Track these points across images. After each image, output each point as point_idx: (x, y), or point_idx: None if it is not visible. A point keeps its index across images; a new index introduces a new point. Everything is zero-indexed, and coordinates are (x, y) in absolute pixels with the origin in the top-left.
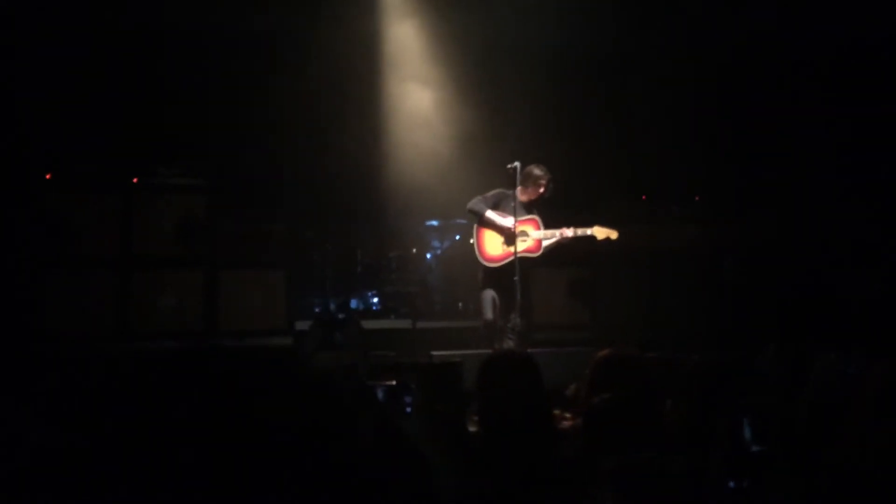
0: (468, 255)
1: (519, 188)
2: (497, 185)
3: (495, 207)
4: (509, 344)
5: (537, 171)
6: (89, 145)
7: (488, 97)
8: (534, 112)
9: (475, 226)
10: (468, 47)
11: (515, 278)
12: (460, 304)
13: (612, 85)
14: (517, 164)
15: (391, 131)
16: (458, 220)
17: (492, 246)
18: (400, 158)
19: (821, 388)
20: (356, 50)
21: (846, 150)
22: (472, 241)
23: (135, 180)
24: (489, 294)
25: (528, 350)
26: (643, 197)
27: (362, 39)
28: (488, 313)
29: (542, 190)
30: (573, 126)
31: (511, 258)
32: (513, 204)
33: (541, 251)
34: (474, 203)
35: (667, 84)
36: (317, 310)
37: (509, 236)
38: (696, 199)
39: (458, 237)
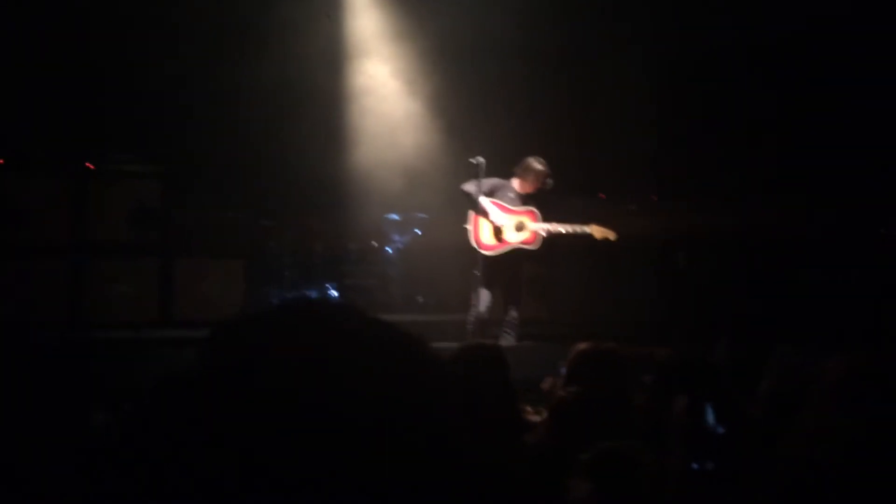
0: (428, 248)
1: (517, 179)
2: (459, 179)
3: (490, 195)
4: (507, 338)
5: (537, 166)
6: (43, 129)
7: (449, 91)
8: (494, 108)
9: (470, 211)
10: (429, 40)
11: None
12: (420, 298)
13: (570, 82)
14: (480, 158)
15: (352, 122)
16: (419, 214)
17: (487, 234)
18: (361, 150)
19: (777, 379)
20: (317, 38)
21: (801, 144)
22: (467, 226)
23: (89, 165)
24: (485, 288)
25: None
26: (601, 195)
27: (324, 28)
28: (481, 308)
29: (539, 184)
30: (533, 122)
31: (507, 248)
32: (510, 195)
33: (537, 244)
34: (468, 185)
35: (624, 81)
36: (274, 301)
37: (507, 226)
38: (654, 198)
39: (417, 231)
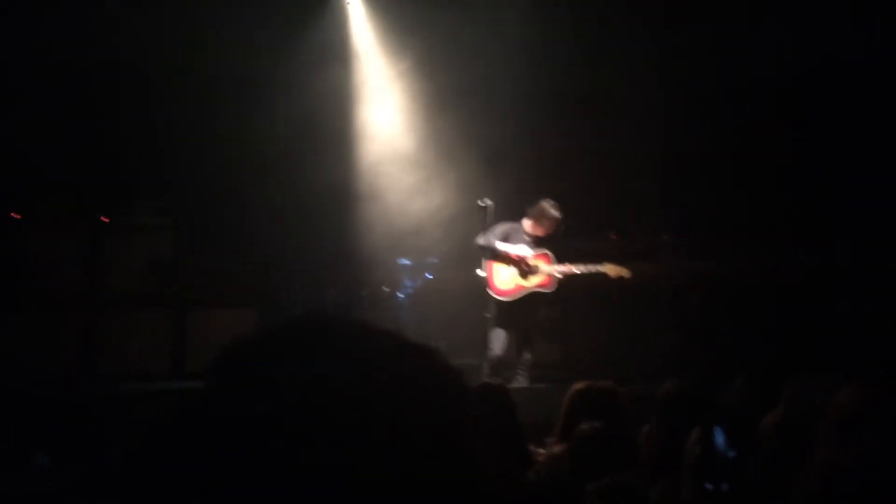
0: (440, 292)
1: (529, 222)
2: (469, 222)
3: (505, 240)
4: (520, 380)
5: (552, 212)
6: (58, 184)
7: (461, 136)
8: (505, 150)
9: (484, 260)
10: (442, 86)
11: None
12: (432, 343)
13: (580, 122)
14: (489, 202)
15: (364, 169)
16: (431, 259)
17: (502, 280)
18: (371, 195)
19: (791, 412)
20: (330, 89)
21: (809, 183)
22: (481, 272)
23: (104, 219)
24: (501, 330)
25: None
26: (612, 235)
27: (337, 80)
28: (497, 349)
29: (552, 231)
30: (544, 164)
31: (523, 292)
32: (525, 238)
33: (552, 286)
34: (483, 238)
35: (634, 120)
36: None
37: (523, 270)
38: (664, 237)
39: (428, 275)
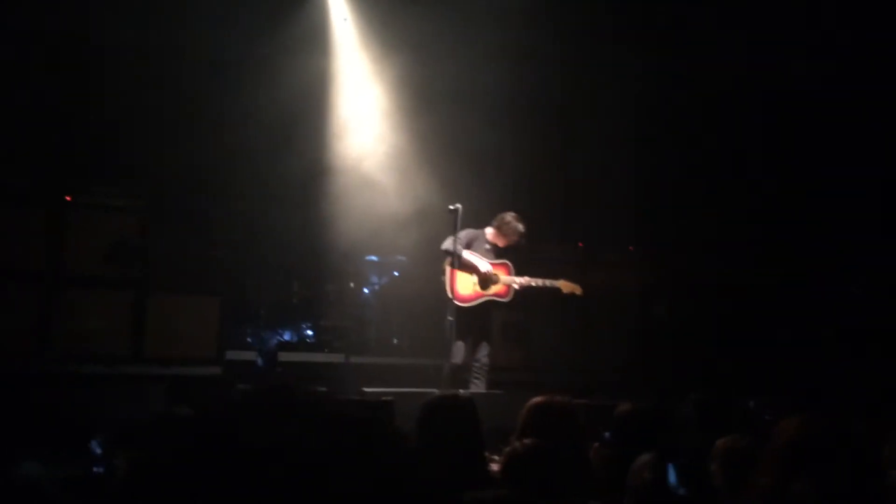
0: (405, 291)
1: (493, 232)
2: (438, 223)
3: (467, 247)
4: (477, 384)
5: (515, 224)
6: (22, 159)
7: (433, 138)
8: (476, 156)
9: (446, 265)
10: (416, 88)
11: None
12: (395, 340)
13: (552, 133)
14: (458, 205)
15: (338, 163)
16: (398, 257)
17: (463, 286)
18: (341, 190)
19: (740, 434)
20: (308, 80)
21: (770, 202)
22: (442, 278)
23: (68, 198)
24: (460, 336)
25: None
26: (579, 244)
27: (309, 66)
28: (457, 357)
29: (513, 243)
30: (514, 171)
31: (481, 299)
32: (486, 246)
33: (509, 296)
34: (449, 244)
35: (605, 133)
36: (249, 340)
37: (483, 280)
38: (630, 248)
39: (396, 273)
